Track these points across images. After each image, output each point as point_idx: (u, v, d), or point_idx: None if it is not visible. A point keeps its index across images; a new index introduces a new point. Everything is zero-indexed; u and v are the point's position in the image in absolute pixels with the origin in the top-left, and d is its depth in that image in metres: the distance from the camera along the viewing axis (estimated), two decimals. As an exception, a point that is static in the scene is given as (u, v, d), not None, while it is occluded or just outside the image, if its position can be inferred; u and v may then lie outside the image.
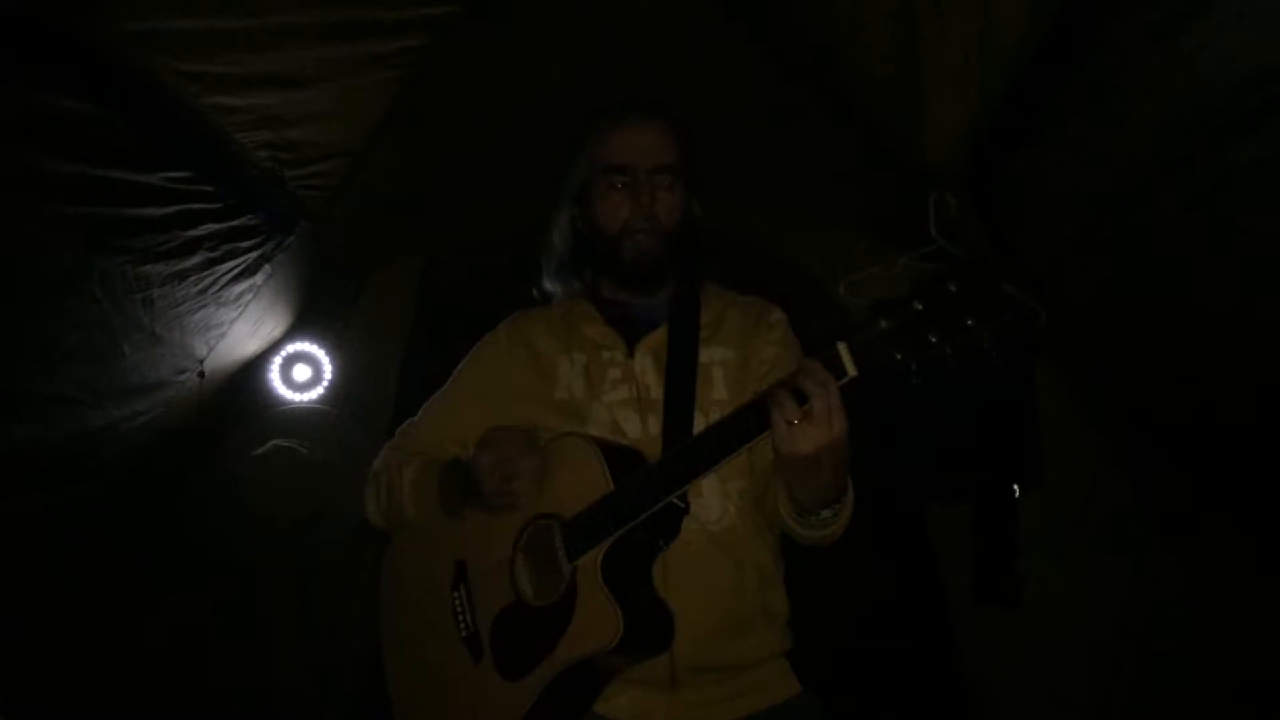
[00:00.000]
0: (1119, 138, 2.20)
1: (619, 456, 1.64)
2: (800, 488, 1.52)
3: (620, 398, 1.80)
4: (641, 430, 1.76)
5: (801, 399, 1.36)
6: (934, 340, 1.27)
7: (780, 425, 1.37)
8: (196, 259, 2.71)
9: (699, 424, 1.74)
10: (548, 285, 2.01)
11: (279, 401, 3.59)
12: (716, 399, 1.78)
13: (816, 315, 2.35)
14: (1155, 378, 2.85)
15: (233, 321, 3.14)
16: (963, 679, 3.48)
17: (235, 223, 2.76)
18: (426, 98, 2.88)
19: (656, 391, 1.79)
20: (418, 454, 1.92)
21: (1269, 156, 1.90)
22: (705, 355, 1.83)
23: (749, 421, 1.46)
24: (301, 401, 3.60)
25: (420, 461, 1.87)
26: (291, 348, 3.59)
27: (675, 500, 1.58)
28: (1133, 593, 3.28)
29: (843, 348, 1.35)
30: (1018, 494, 3.08)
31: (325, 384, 3.62)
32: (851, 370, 1.34)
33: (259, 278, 3.05)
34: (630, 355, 1.83)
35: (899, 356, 1.30)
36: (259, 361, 3.57)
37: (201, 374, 3.12)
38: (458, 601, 1.79)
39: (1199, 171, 2.04)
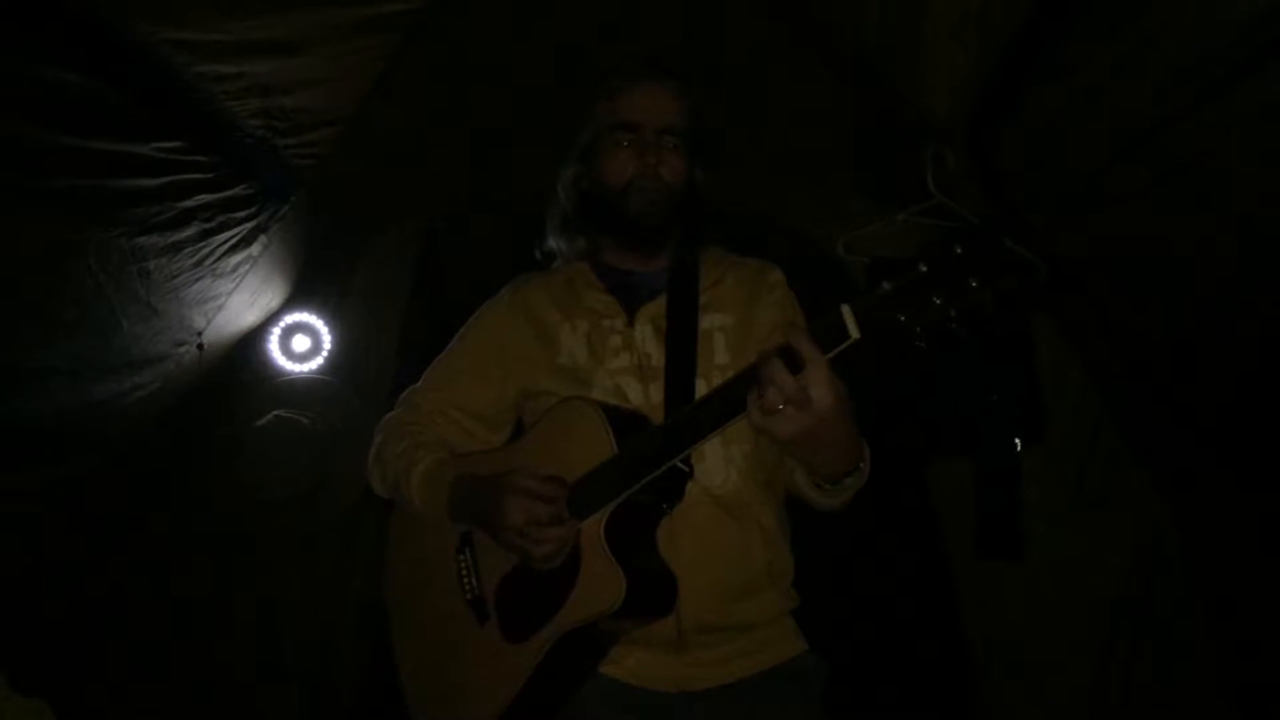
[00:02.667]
0: (1118, 92, 2.17)
1: (623, 421, 1.64)
2: (813, 464, 1.51)
3: (622, 365, 1.80)
4: (644, 398, 1.77)
5: (793, 367, 1.35)
6: (938, 302, 1.26)
7: (760, 415, 1.37)
8: (191, 230, 2.69)
9: (701, 390, 1.74)
10: (551, 243, 2.00)
11: (279, 372, 3.59)
12: (719, 364, 1.78)
13: (817, 275, 2.33)
14: (1154, 333, 2.84)
15: (230, 293, 3.12)
16: (964, 637, 3.51)
17: (230, 193, 2.73)
18: (421, 62, 2.85)
19: (658, 359, 1.79)
20: (419, 435, 1.90)
21: (1267, 106, 1.88)
22: (705, 322, 1.83)
23: (752, 384, 1.45)
24: (301, 372, 3.60)
25: (429, 462, 1.82)
26: (290, 318, 3.58)
27: (679, 464, 1.58)
28: (1133, 549, 3.29)
29: (846, 310, 1.34)
30: (1019, 449, 3.09)
31: (325, 354, 3.62)
32: (855, 333, 1.33)
33: (255, 248, 3.03)
34: (630, 324, 1.83)
35: (903, 319, 1.29)
36: (258, 333, 3.56)
37: (200, 346, 3.11)
38: (463, 565, 1.80)
39: (1197, 123, 2.02)
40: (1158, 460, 3.27)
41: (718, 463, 1.74)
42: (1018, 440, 3.06)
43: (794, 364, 1.34)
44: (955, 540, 3.50)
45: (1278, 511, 2.80)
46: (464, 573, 1.79)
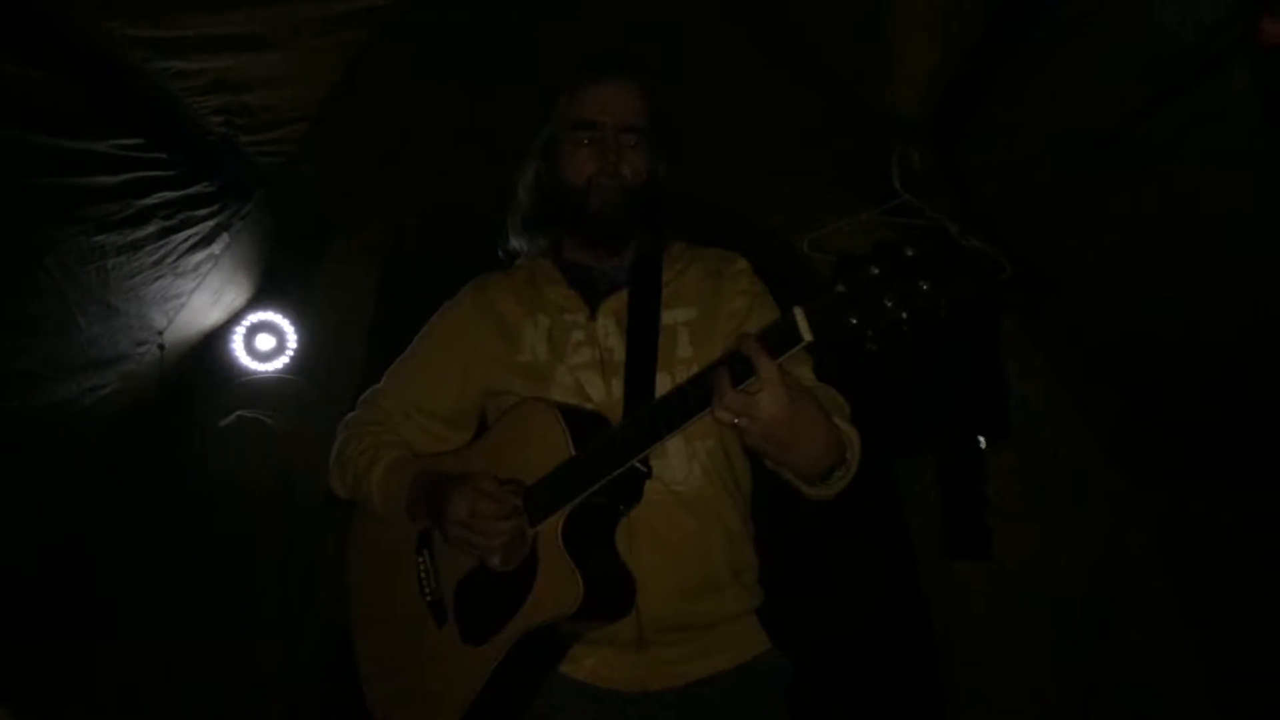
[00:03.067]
0: (1079, 93, 2.20)
1: (580, 422, 1.63)
2: (787, 465, 1.50)
3: (583, 360, 1.79)
4: (605, 393, 1.76)
5: (740, 378, 1.36)
6: (889, 305, 1.27)
7: (728, 426, 1.38)
8: (151, 228, 2.66)
9: (663, 384, 1.73)
10: (513, 242, 1.99)
11: (243, 372, 3.55)
12: (682, 357, 1.77)
13: (784, 273, 2.34)
14: (1120, 331, 2.87)
15: (192, 292, 3.09)
16: (931, 635, 3.53)
17: (190, 190, 2.70)
18: (387, 60, 2.83)
19: (620, 354, 1.78)
20: (381, 435, 1.89)
21: (1221, 109, 1.91)
22: (668, 316, 1.82)
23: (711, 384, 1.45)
24: (266, 372, 3.57)
25: (388, 461, 1.82)
26: (254, 317, 3.55)
27: (637, 464, 1.57)
28: (1102, 544, 3.32)
29: (799, 312, 1.34)
30: (983, 446, 3.11)
31: (290, 353, 3.59)
32: (807, 335, 1.34)
33: (217, 247, 3.00)
34: (592, 317, 1.83)
35: (854, 321, 1.29)
36: (221, 332, 3.53)
37: (161, 346, 3.08)
38: (422, 567, 1.79)
39: (1156, 125, 2.04)
40: (1123, 456, 3.30)
41: (680, 459, 1.74)
42: (982, 438, 3.08)
43: (744, 371, 1.36)
44: (921, 538, 3.52)
45: (1243, 502, 2.84)
46: (423, 574, 1.78)
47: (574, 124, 1.84)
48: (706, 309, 1.83)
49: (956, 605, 3.47)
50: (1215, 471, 2.90)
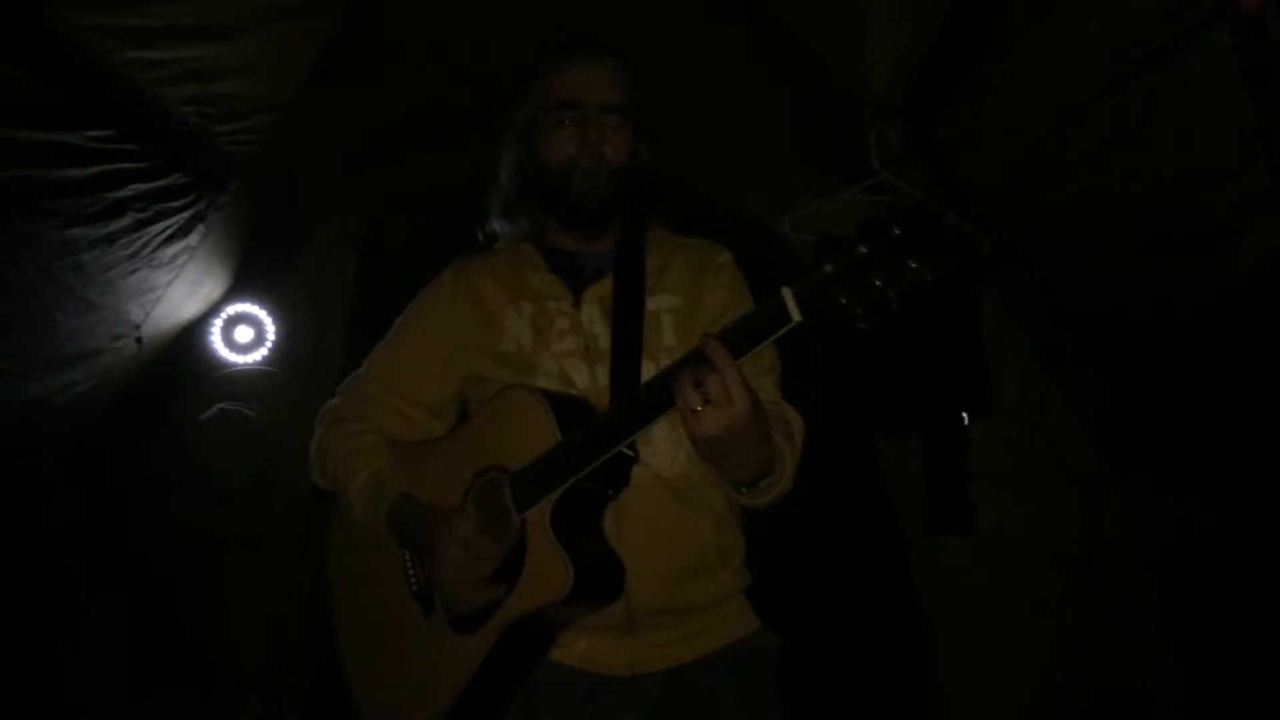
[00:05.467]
0: (1049, 69, 2.20)
1: (566, 407, 1.62)
2: (723, 467, 1.51)
3: (568, 348, 1.78)
4: (590, 380, 1.75)
5: (699, 383, 1.36)
6: (878, 284, 1.27)
7: (686, 414, 1.38)
8: (126, 221, 2.63)
9: (648, 371, 1.72)
10: (493, 224, 1.97)
11: (222, 364, 3.53)
12: (666, 345, 1.77)
13: (763, 255, 2.34)
14: (1096, 303, 2.89)
15: (168, 284, 3.06)
16: (919, 610, 3.55)
17: (164, 182, 2.67)
18: (359, 46, 2.80)
19: (604, 341, 1.77)
20: (361, 436, 1.86)
21: (1187, 83, 1.92)
22: (652, 303, 1.81)
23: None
24: (245, 364, 3.55)
25: (366, 474, 1.80)
26: (232, 309, 3.52)
27: (624, 449, 1.57)
28: (1081, 518, 3.36)
29: (787, 293, 1.34)
30: (966, 422, 3.13)
31: (269, 345, 3.57)
32: (796, 315, 1.33)
33: (193, 238, 2.97)
34: (577, 305, 1.81)
35: (843, 301, 1.29)
36: (199, 324, 3.51)
37: (139, 339, 3.05)
38: (407, 558, 1.78)
39: (1134, 93, 2.05)
40: (1103, 430, 3.33)
41: (667, 445, 1.73)
42: (965, 414, 3.10)
43: (705, 369, 1.36)
44: (907, 515, 3.54)
45: (1212, 469, 2.88)
46: (409, 565, 1.77)
47: (555, 104, 1.81)
48: (689, 298, 1.83)
49: (940, 580, 3.50)
50: (1189, 442, 2.93)
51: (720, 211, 3.51)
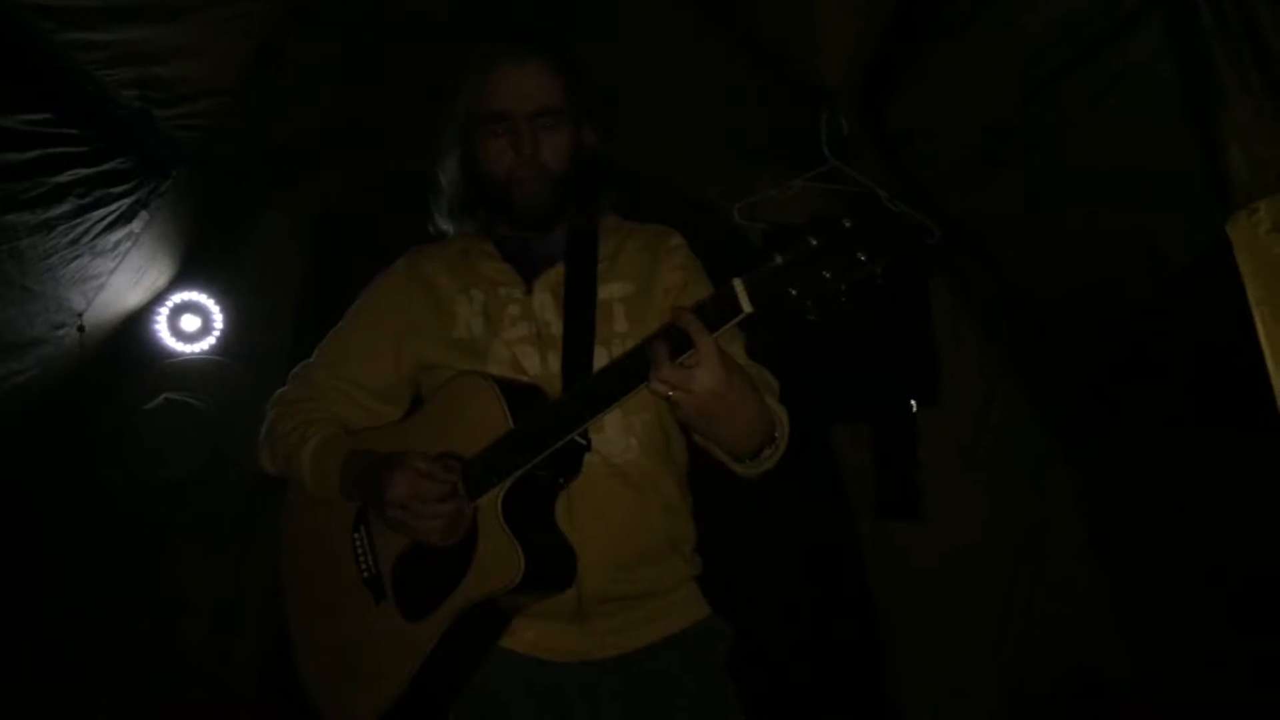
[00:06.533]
0: (999, 53, 2.22)
1: (518, 394, 1.62)
2: (718, 441, 1.51)
3: (519, 335, 1.77)
4: (541, 367, 1.74)
5: (677, 351, 1.37)
6: (828, 276, 1.29)
7: (668, 390, 1.38)
8: (65, 206, 2.57)
9: (600, 358, 1.72)
10: (441, 224, 1.95)
11: (168, 353, 3.48)
12: (618, 332, 1.77)
13: (716, 242, 2.34)
14: (1046, 290, 2.93)
15: (111, 272, 3.00)
16: (871, 596, 3.59)
17: (105, 167, 2.62)
18: (305, 29, 2.75)
19: (556, 328, 1.77)
20: (311, 412, 1.85)
21: (1139, 65, 1.94)
22: (604, 291, 1.80)
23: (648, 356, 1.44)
24: (192, 353, 3.49)
25: (319, 439, 1.79)
26: (178, 297, 3.47)
27: (577, 438, 1.57)
28: (1029, 503, 3.42)
29: (738, 284, 1.35)
30: (914, 409, 3.16)
31: (216, 333, 3.52)
32: (747, 306, 1.35)
33: (136, 225, 2.92)
34: (528, 292, 1.81)
35: (794, 293, 1.31)
36: (144, 313, 3.44)
37: (81, 328, 2.99)
38: (358, 543, 1.77)
39: (1074, 83, 2.08)
40: (1052, 415, 3.38)
41: (617, 432, 1.73)
42: (913, 401, 3.14)
43: (681, 344, 1.36)
44: (859, 500, 3.58)
45: (1163, 456, 2.93)
46: (359, 551, 1.76)
47: (484, 116, 1.78)
48: (642, 284, 1.82)
49: (891, 564, 3.54)
50: (1138, 428, 2.99)
51: (672, 199, 3.51)
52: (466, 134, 1.83)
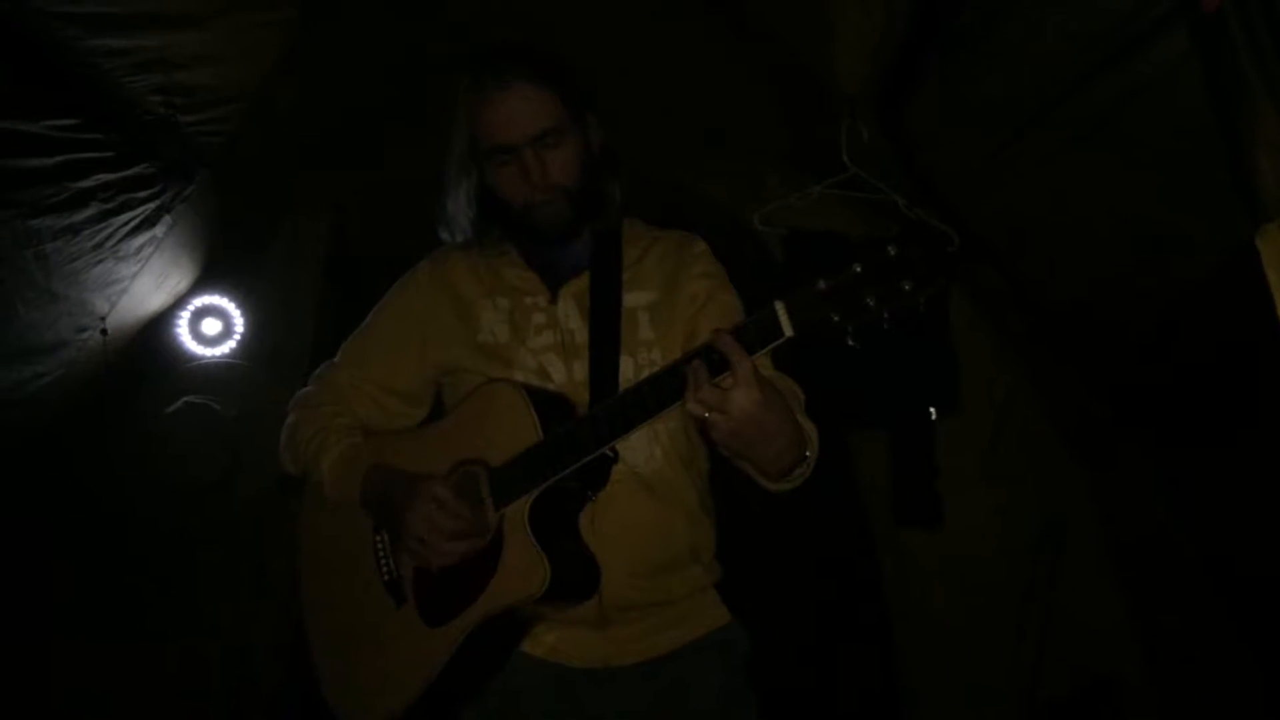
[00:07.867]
0: (1021, 61, 2.22)
1: (548, 404, 1.62)
2: (751, 461, 1.50)
3: (545, 343, 1.78)
4: (567, 376, 1.75)
5: (715, 372, 1.37)
6: (871, 304, 1.30)
7: (705, 411, 1.37)
8: (90, 211, 2.59)
9: (626, 366, 1.73)
10: (458, 239, 1.92)
11: (189, 357, 3.50)
12: (643, 340, 1.77)
13: (735, 248, 2.34)
14: (1063, 297, 2.92)
15: (134, 276, 3.02)
16: (888, 602, 3.58)
17: (129, 172, 2.64)
18: (328, 34, 2.77)
19: (581, 337, 1.77)
20: (333, 418, 1.85)
21: (1163, 74, 1.93)
22: (629, 299, 1.80)
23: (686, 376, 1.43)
24: (213, 356, 3.51)
25: (341, 449, 1.79)
26: (199, 301, 3.48)
27: (606, 451, 1.57)
28: (1046, 510, 3.40)
29: (780, 307, 1.35)
30: (934, 417, 3.15)
31: (237, 337, 3.54)
32: (788, 330, 1.35)
33: (159, 229, 2.94)
34: (554, 300, 1.81)
35: (836, 319, 1.32)
36: (166, 316, 3.47)
37: (104, 331, 3.01)
38: (380, 546, 1.77)
39: (1098, 92, 2.07)
40: (1069, 424, 3.37)
41: (642, 441, 1.73)
42: (933, 409, 3.13)
43: (718, 365, 1.36)
44: (877, 508, 3.57)
45: (1179, 466, 2.92)
46: (381, 553, 1.76)
47: (488, 150, 1.75)
48: (666, 292, 1.82)
49: (907, 570, 3.53)
50: (1156, 437, 2.97)
51: (693, 203, 3.51)
52: (474, 166, 1.80)
